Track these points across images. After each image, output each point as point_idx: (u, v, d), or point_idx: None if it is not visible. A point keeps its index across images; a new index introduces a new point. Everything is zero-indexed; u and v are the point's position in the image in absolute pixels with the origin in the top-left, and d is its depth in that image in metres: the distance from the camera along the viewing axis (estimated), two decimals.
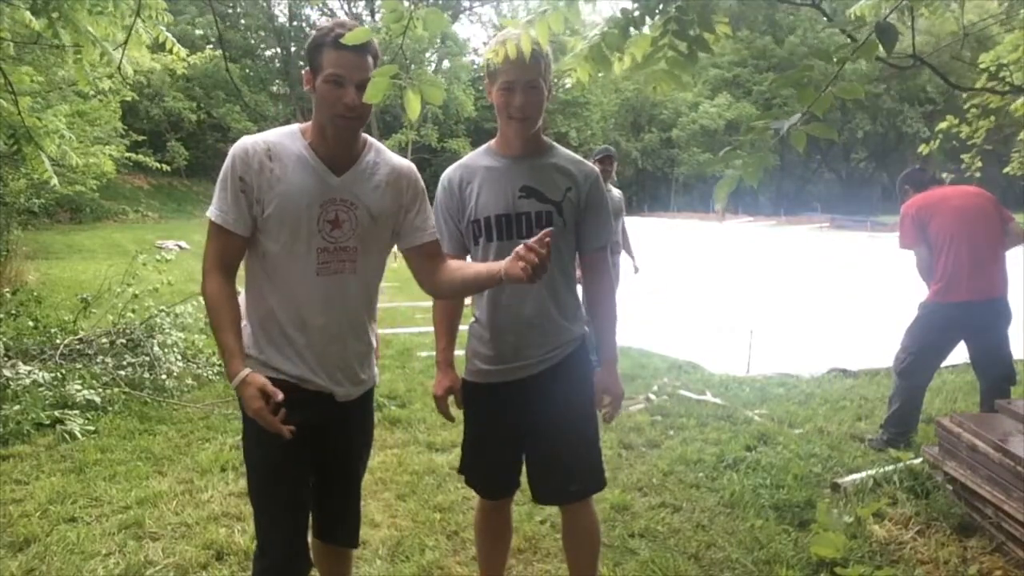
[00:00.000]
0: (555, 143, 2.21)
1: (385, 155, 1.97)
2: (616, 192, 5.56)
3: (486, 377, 2.17)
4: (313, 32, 1.84)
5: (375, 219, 1.90)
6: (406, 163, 2.02)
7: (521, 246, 1.70)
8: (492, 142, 2.20)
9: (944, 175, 4.50)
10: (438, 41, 34.90)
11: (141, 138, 15.88)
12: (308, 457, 1.91)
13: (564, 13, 1.78)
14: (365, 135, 1.95)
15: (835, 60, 1.71)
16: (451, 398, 2.23)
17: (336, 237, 1.85)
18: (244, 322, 1.90)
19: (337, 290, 1.87)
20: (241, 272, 1.93)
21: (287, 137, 1.87)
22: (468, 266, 2.02)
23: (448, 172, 2.20)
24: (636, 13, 1.91)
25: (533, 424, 2.16)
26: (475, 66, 36.96)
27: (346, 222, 1.86)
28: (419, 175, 2.04)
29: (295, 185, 1.81)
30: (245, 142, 1.84)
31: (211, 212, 1.84)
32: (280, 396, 1.73)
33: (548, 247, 1.67)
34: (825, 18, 2.23)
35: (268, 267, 1.86)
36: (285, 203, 1.80)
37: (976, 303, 3.87)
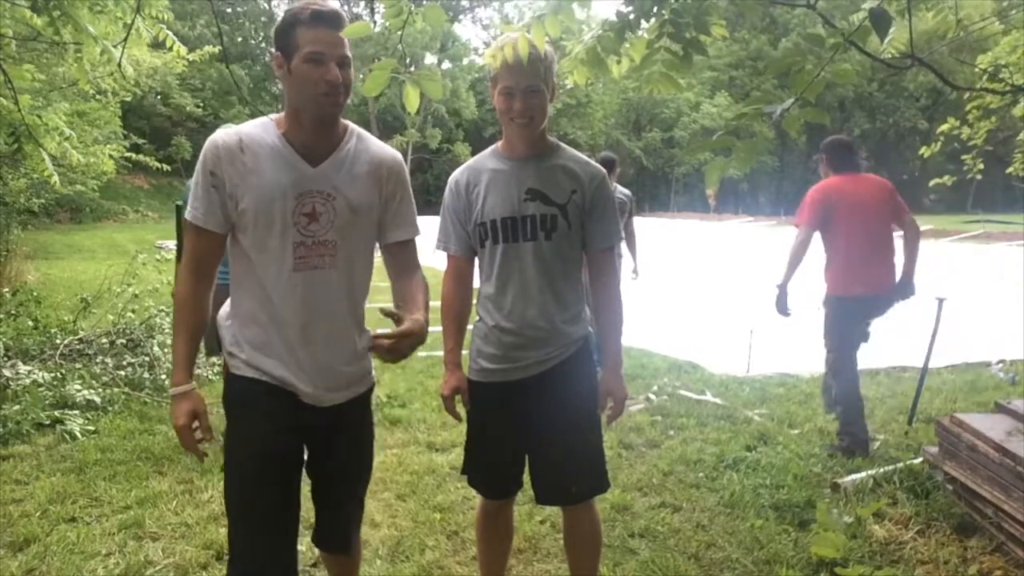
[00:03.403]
0: (561, 143, 2.21)
1: (368, 142, 1.87)
2: (624, 191, 5.57)
3: (489, 376, 2.17)
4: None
5: (355, 211, 1.79)
6: (390, 151, 1.91)
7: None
8: (498, 144, 2.20)
9: (864, 161, 4.43)
10: (439, 44, 34.92)
11: (141, 141, 15.87)
12: (294, 460, 1.84)
13: (561, 18, 1.78)
14: (346, 122, 1.84)
15: (828, 46, 1.70)
16: (458, 398, 2.23)
17: (313, 231, 1.75)
18: (228, 321, 1.86)
19: (316, 286, 1.77)
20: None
21: (260, 128, 1.78)
22: (407, 298, 1.86)
23: (455, 174, 2.21)
24: (631, 16, 1.90)
25: (536, 424, 2.16)
26: (476, 66, 36.93)
27: (323, 215, 1.75)
28: (404, 165, 1.94)
29: (268, 177, 1.72)
30: (217, 135, 1.76)
31: (187, 211, 1.78)
32: (210, 437, 1.78)
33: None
34: (821, 19, 2.20)
35: (247, 265, 1.78)
36: (258, 196, 1.71)
37: (871, 297, 3.96)
